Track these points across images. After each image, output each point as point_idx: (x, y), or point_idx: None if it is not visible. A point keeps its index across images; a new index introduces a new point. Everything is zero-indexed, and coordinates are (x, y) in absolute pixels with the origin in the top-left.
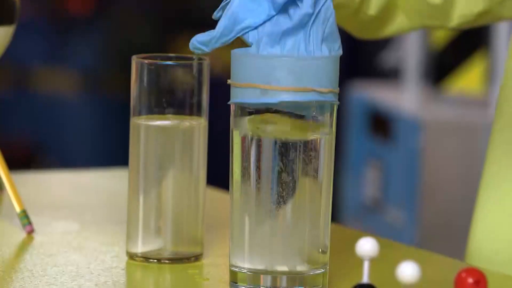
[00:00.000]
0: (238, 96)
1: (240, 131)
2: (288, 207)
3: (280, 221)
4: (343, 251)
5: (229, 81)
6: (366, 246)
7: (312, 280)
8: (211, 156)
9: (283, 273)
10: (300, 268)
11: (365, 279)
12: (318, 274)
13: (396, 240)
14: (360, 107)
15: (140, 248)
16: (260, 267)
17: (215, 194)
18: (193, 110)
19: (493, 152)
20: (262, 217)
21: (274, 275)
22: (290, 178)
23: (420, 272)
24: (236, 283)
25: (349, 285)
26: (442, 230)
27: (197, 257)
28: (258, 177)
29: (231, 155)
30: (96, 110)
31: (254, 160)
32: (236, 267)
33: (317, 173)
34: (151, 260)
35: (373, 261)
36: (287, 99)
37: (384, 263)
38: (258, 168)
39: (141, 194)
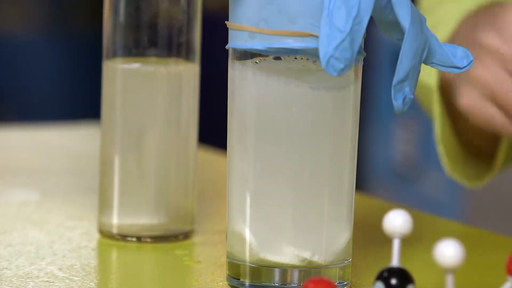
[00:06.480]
0: (230, 39)
1: (239, 78)
2: (304, 170)
3: (293, 189)
4: (368, 226)
5: (226, 22)
6: (397, 220)
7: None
8: (204, 109)
9: (294, 266)
10: (316, 257)
11: (394, 262)
12: (339, 267)
13: (436, 214)
14: (389, 45)
15: (115, 223)
16: (265, 255)
17: (209, 155)
18: (181, 52)
19: None
20: (268, 184)
21: (283, 268)
22: (303, 131)
23: (464, 253)
24: (238, 278)
25: (376, 269)
26: (495, 200)
27: (186, 235)
28: (263, 131)
29: (228, 107)
30: (61, 51)
31: (256, 113)
32: (235, 258)
33: (339, 127)
34: (129, 238)
35: (405, 239)
36: (276, 45)
37: (419, 242)
38: (261, 120)
39: (117, 156)
